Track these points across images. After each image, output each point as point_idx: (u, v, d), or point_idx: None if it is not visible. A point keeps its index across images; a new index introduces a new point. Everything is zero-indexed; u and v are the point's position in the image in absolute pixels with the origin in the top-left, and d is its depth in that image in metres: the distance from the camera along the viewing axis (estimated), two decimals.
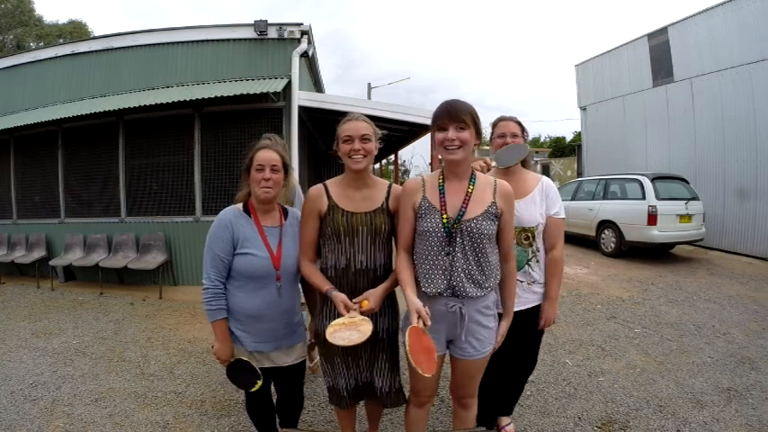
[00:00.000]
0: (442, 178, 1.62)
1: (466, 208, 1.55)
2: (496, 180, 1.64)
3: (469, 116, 1.52)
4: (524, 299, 1.97)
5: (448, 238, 1.53)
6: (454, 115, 1.50)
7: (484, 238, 1.54)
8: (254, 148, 1.79)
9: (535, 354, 2.22)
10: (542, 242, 2.02)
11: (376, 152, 1.71)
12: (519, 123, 2.08)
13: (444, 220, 1.54)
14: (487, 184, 1.61)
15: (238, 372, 1.75)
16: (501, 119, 2.10)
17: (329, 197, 1.72)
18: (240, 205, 1.81)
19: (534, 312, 2.03)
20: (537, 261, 2.00)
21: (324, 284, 1.68)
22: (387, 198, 1.74)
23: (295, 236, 1.82)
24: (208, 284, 1.71)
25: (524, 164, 2.10)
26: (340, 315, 1.58)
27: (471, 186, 1.59)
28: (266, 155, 1.74)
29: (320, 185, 1.77)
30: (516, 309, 1.83)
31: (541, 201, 1.99)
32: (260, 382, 1.71)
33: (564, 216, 2.03)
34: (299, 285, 1.91)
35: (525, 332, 2.02)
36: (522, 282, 1.95)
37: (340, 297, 1.61)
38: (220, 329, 1.73)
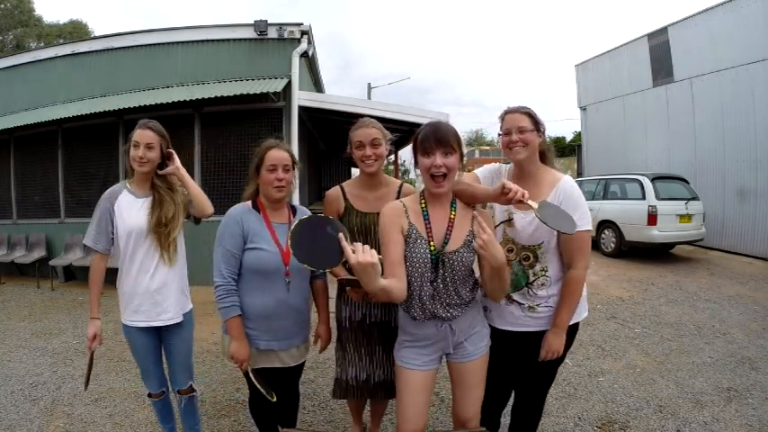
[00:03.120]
0: (424, 202, 1.53)
1: (450, 236, 1.48)
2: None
3: (456, 140, 1.46)
4: (523, 322, 1.70)
5: (433, 268, 1.47)
6: (441, 140, 1.43)
7: (465, 269, 1.49)
8: (262, 146, 1.77)
9: (542, 389, 1.87)
10: (557, 260, 1.68)
11: (386, 154, 1.85)
12: (529, 114, 1.66)
13: (432, 249, 1.47)
14: (467, 210, 1.55)
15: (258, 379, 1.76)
16: (507, 111, 1.70)
17: (346, 199, 1.87)
18: (249, 202, 1.81)
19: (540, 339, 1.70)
20: (543, 284, 1.67)
21: (340, 272, 1.77)
22: (398, 197, 1.81)
23: None
24: (220, 281, 1.68)
25: (544, 159, 1.74)
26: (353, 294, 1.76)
27: (453, 212, 1.52)
28: (278, 154, 1.73)
29: (337, 188, 1.92)
30: (511, 329, 1.71)
31: None
32: (274, 398, 1.73)
33: (588, 228, 1.62)
34: (309, 286, 1.91)
35: (527, 359, 1.73)
36: (522, 304, 1.69)
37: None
38: (235, 327, 1.68)
